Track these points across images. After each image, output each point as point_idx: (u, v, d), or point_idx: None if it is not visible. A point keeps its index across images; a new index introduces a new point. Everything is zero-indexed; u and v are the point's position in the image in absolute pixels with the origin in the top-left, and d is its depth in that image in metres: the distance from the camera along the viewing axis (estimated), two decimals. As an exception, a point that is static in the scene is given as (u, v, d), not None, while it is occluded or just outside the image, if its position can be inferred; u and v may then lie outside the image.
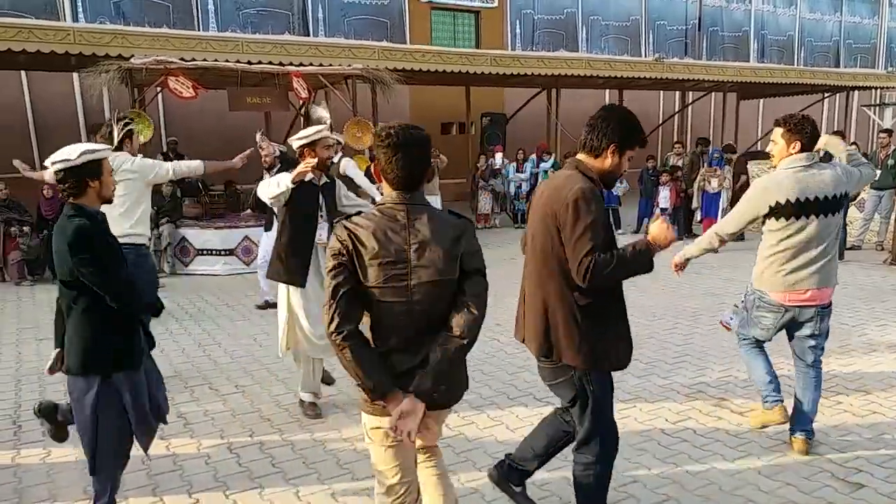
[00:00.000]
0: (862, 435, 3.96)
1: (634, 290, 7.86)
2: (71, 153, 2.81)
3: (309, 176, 4.14)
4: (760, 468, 3.59)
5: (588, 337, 2.63)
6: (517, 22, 18.59)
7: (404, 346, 2.25)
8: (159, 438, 4.01)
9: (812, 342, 3.71)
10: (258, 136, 7.11)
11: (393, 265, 2.18)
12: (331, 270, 2.20)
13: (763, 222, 3.65)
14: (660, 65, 14.69)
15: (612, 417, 2.83)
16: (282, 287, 4.30)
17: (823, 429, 4.03)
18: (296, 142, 4.25)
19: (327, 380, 4.78)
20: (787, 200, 3.48)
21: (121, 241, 3.14)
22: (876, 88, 19.87)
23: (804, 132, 3.56)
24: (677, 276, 3.85)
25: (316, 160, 4.13)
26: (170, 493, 3.44)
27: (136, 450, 3.71)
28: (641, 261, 2.60)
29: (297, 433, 4.12)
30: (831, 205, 3.50)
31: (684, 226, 11.75)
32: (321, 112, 4.78)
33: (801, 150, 3.54)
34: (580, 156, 2.74)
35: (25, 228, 8.99)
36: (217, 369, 5.31)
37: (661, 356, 5.45)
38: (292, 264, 4.20)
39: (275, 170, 6.56)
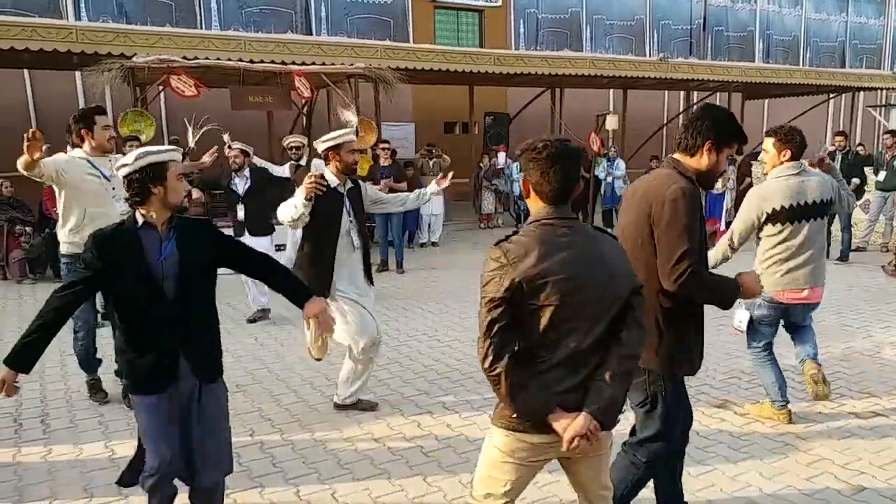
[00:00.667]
0: (865, 437, 3.93)
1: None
2: (129, 157, 2.63)
3: (334, 182, 4.12)
4: (763, 470, 3.56)
5: (668, 340, 2.58)
6: (521, 21, 18.55)
7: (567, 363, 2.13)
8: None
9: (804, 327, 4.18)
10: (225, 137, 7.20)
11: (559, 283, 2.05)
12: (488, 302, 2.07)
13: (760, 228, 3.90)
14: (664, 64, 14.64)
15: (677, 428, 2.77)
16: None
17: (826, 431, 4.01)
18: (321, 144, 4.18)
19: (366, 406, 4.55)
20: (782, 206, 3.78)
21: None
22: (882, 89, 19.77)
23: (794, 141, 3.86)
24: None
25: (320, 175, 4.05)
26: (169, 492, 3.42)
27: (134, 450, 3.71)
28: (726, 297, 2.58)
29: (297, 433, 4.11)
30: (820, 209, 3.83)
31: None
32: (348, 115, 4.71)
33: (791, 159, 3.84)
34: (676, 155, 2.70)
35: (28, 228, 8.99)
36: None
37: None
38: (317, 274, 4.07)
39: (245, 171, 6.76)
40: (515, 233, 2.16)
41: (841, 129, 20.82)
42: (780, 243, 3.84)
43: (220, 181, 6.96)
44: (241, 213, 6.66)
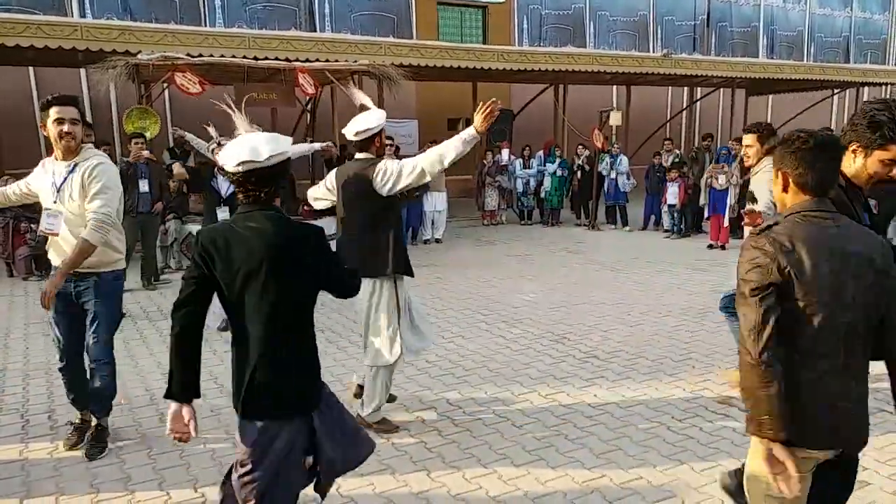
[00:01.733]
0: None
1: (640, 287, 7.85)
2: (257, 151, 2.26)
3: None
4: (766, 466, 3.57)
5: None
6: (524, 17, 18.53)
7: (836, 371, 2.04)
8: (165, 433, 4.04)
9: None
10: (211, 131, 6.96)
11: (831, 277, 1.98)
12: (757, 291, 2.00)
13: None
14: (668, 60, 14.62)
15: None
16: (377, 289, 3.94)
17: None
18: (360, 135, 3.89)
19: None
20: None
21: None
22: (886, 84, 19.70)
23: (774, 135, 4.24)
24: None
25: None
26: (176, 487, 3.45)
27: (141, 448, 3.75)
28: None
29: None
30: None
31: (692, 223, 11.73)
32: (361, 97, 4.48)
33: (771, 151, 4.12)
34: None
35: (34, 225, 9.02)
36: (223, 364, 5.32)
37: (668, 353, 5.44)
38: (402, 254, 3.95)
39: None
40: (776, 223, 2.10)
41: (845, 124, 20.74)
42: None
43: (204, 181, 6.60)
44: (222, 216, 6.11)
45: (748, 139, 4.39)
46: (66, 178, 3.58)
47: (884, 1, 24.93)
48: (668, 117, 18.97)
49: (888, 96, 21.57)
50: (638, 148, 16.08)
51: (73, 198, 3.58)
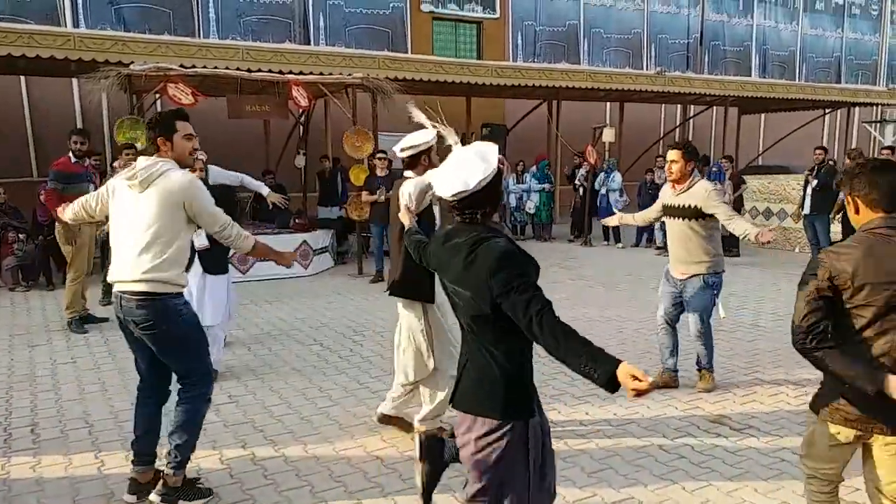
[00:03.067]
0: (859, 453, 3.90)
1: (631, 304, 7.83)
2: (467, 182, 2.17)
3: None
4: (758, 486, 3.54)
5: None
6: (519, 33, 18.65)
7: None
8: (150, 448, 3.97)
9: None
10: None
11: (882, 285, 2.25)
12: (812, 301, 2.31)
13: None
14: (661, 78, 14.72)
15: None
16: (410, 310, 3.95)
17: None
18: (405, 151, 3.91)
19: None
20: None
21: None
22: (877, 105, 19.92)
23: (697, 153, 4.73)
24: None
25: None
26: (158, 504, 3.38)
27: (125, 464, 3.68)
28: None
29: (289, 445, 4.07)
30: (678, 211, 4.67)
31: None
32: (419, 114, 4.43)
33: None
34: None
35: (21, 234, 8.95)
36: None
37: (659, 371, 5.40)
38: (425, 280, 3.84)
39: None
40: (840, 241, 2.41)
41: (837, 143, 20.92)
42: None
43: None
44: (199, 242, 4.89)
45: (673, 155, 4.65)
46: None
47: (874, 22, 25.23)
48: (662, 134, 19.08)
49: (879, 116, 21.79)
50: (631, 165, 16.15)
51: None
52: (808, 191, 9.60)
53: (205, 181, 5.68)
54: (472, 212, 2.26)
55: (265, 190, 7.22)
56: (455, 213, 2.30)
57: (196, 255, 4.89)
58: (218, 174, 7.25)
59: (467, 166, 2.23)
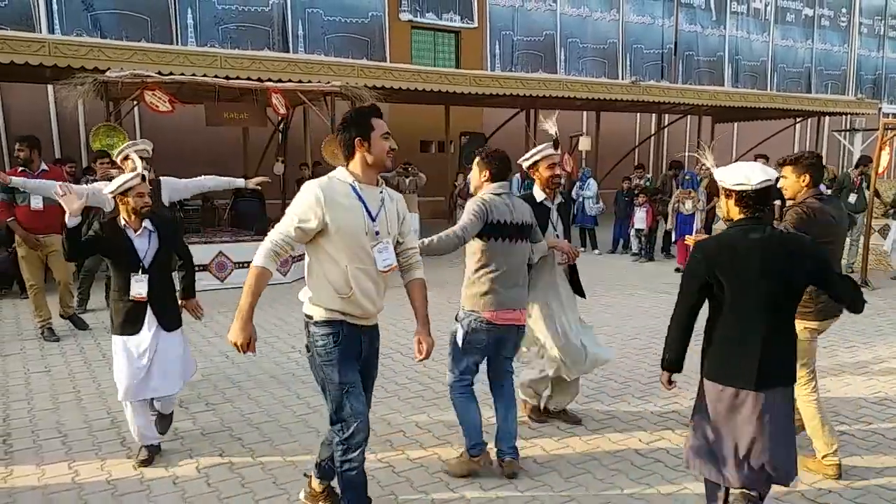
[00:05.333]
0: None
1: (608, 310, 7.91)
2: (748, 176, 2.75)
3: (540, 196, 4.17)
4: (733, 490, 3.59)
5: None
6: (497, 42, 18.79)
7: None
8: (126, 457, 3.94)
9: (508, 361, 3.91)
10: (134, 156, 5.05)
11: None
12: None
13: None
14: (636, 87, 14.91)
15: None
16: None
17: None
18: (523, 162, 4.25)
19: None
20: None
21: None
22: (846, 114, 20.34)
23: (494, 164, 3.81)
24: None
25: None
26: (135, 514, 3.36)
27: (100, 474, 3.65)
28: None
29: (267, 453, 4.06)
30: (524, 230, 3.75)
31: (663, 246, 11.94)
32: (548, 125, 4.44)
33: (494, 180, 3.79)
34: None
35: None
36: (187, 385, 5.22)
37: (636, 376, 5.47)
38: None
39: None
40: None
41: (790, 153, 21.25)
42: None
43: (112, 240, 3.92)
44: (138, 290, 3.85)
45: (476, 164, 4.18)
46: (382, 206, 2.98)
47: (843, 34, 25.79)
48: (637, 143, 19.29)
49: (848, 125, 22.25)
50: (607, 173, 16.31)
51: (390, 231, 3.02)
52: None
53: (156, 199, 5.16)
54: (761, 208, 2.78)
55: (240, 182, 6.45)
56: (746, 209, 2.79)
57: (146, 311, 3.88)
58: (174, 188, 6.01)
59: (753, 169, 2.78)
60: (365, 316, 2.98)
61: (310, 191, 2.85)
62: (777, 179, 2.92)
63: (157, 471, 3.81)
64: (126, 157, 4.58)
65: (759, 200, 2.77)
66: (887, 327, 7.13)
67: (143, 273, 3.83)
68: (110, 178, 4.84)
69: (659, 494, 3.55)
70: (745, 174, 2.77)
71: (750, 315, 2.75)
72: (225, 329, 6.60)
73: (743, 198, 2.78)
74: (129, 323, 3.87)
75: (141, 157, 4.66)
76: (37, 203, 6.52)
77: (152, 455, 3.90)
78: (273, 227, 2.94)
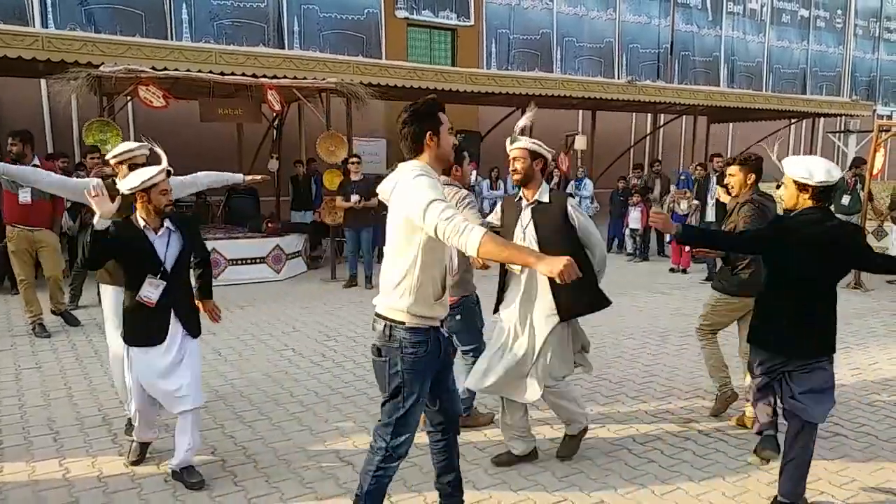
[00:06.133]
0: (825, 457, 3.99)
1: (603, 310, 7.90)
2: (810, 172, 3.08)
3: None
4: (726, 490, 3.59)
5: None
6: (493, 41, 18.75)
7: None
8: (117, 455, 3.91)
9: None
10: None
11: None
12: None
13: None
14: (632, 87, 14.90)
15: None
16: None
17: (788, 450, 4.06)
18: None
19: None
20: None
21: None
22: (841, 115, 20.36)
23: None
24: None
25: None
26: (126, 512, 3.33)
27: (91, 471, 3.63)
28: None
29: (259, 451, 4.03)
30: None
31: (657, 246, 11.95)
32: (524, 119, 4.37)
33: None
34: None
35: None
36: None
37: (630, 376, 5.47)
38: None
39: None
40: None
41: (803, 152, 21.29)
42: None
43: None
44: (150, 292, 3.57)
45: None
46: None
47: (839, 35, 25.85)
48: (632, 143, 19.29)
49: (843, 127, 22.30)
50: (602, 172, 16.30)
51: None
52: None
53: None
54: (824, 201, 3.13)
55: (238, 178, 6.10)
56: (813, 199, 3.11)
57: (169, 317, 3.61)
58: (178, 186, 5.86)
59: (819, 163, 3.10)
60: (443, 316, 2.87)
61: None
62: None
63: (149, 468, 3.78)
64: (121, 162, 4.32)
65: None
66: (881, 329, 7.14)
67: (161, 278, 3.54)
68: (104, 176, 4.69)
69: (652, 495, 3.54)
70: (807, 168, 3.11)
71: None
72: (217, 326, 6.58)
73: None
74: (152, 332, 3.55)
75: (136, 164, 4.35)
76: (25, 197, 6.46)
77: (143, 455, 3.85)
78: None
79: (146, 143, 4.37)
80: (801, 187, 3.12)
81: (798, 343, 3.19)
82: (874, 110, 21.48)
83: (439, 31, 18.16)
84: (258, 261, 9.52)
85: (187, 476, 3.58)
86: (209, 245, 9.05)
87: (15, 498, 3.45)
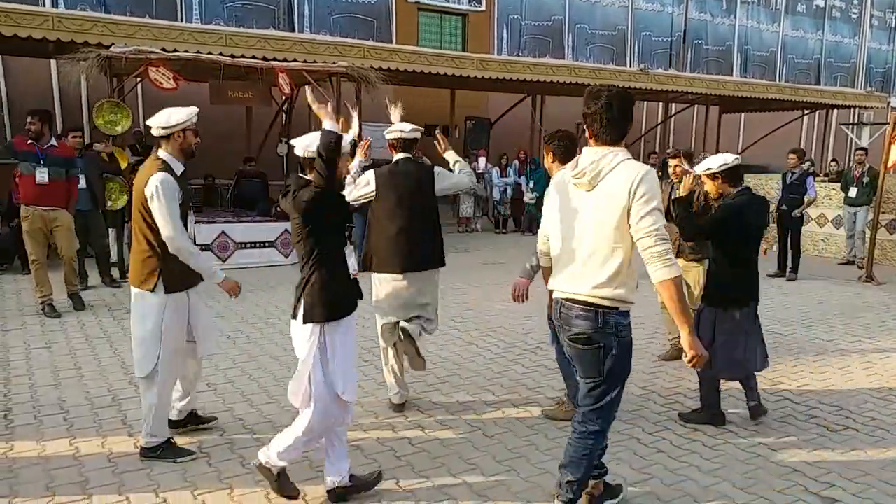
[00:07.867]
0: (835, 450, 3.97)
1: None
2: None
3: None
4: (735, 480, 3.58)
5: None
6: (504, 27, 18.61)
7: None
8: (127, 435, 3.92)
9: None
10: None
11: None
12: None
13: None
14: (644, 75, 14.78)
15: None
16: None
17: (797, 443, 4.04)
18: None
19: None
20: None
21: None
22: (854, 107, 20.17)
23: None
24: None
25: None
26: (136, 491, 3.34)
27: (100, 451, 3.64)
28: None
29: (268, 434, 4.03)
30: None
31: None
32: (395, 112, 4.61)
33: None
34: None
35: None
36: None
37: (639, 366, 5.44)
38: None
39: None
40: None
41: (815, 144, 21.14)
42: None
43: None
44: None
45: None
46: None
47: (854, 25, 25.54)
48: (643, 132, 19.16)
49: (856, 119, 22.07)
50: (613, 160, 16.20)
51: None
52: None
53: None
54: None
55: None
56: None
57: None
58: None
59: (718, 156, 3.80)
60: None
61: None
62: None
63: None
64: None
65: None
66: (893, 322, 7.09)
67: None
68: (97, 152, 4.61)
69: (661, 484, 3.53)
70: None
71: None
72: (227, 309, 6.58)
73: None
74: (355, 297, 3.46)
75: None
76: (42, 177, 6.51)
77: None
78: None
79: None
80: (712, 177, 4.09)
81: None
82: (888, 102, 21.24)
83: (450, 16, 18.03)
84: (267, 244, 9.52)
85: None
86: (218, 228, 9.21)
87: (26, 476, 3.47)
